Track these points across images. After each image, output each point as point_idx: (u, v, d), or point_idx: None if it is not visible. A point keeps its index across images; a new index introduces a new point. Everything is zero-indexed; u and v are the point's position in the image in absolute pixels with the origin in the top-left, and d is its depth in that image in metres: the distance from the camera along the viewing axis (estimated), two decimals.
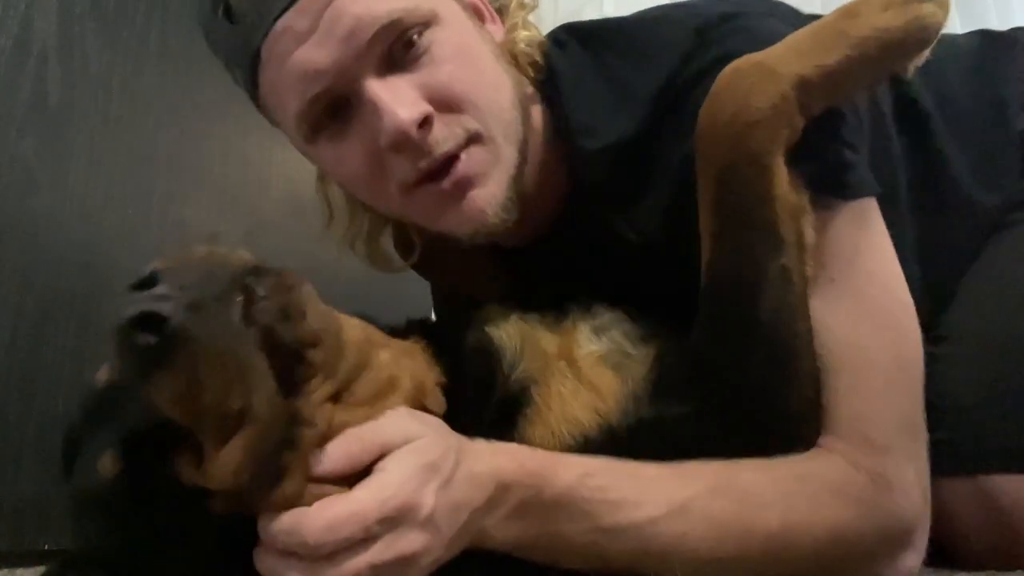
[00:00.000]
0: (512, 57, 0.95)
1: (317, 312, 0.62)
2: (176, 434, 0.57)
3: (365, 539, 0.60)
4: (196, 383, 0.54)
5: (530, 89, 0.95)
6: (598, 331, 0.84)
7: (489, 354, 0.80)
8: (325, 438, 0.62)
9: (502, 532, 0.68)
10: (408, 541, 0.62)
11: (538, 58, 0.95)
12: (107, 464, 0.59)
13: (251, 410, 0.57)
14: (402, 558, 0.62)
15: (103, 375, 0.64)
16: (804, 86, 0.75)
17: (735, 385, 0.75)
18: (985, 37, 1.14)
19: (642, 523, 0.69)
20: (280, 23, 0.81)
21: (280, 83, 0.84)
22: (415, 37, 0.82)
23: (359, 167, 0.87)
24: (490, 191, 0.85)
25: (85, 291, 1.17)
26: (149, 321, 0.52)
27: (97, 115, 1.21)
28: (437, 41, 0.83)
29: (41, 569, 0.67)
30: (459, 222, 0.86)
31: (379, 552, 0.61)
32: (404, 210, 0.90)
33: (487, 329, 0.83)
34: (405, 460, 0.64)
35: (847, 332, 0.75)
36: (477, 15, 0.93)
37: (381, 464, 0.63)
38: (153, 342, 0.53)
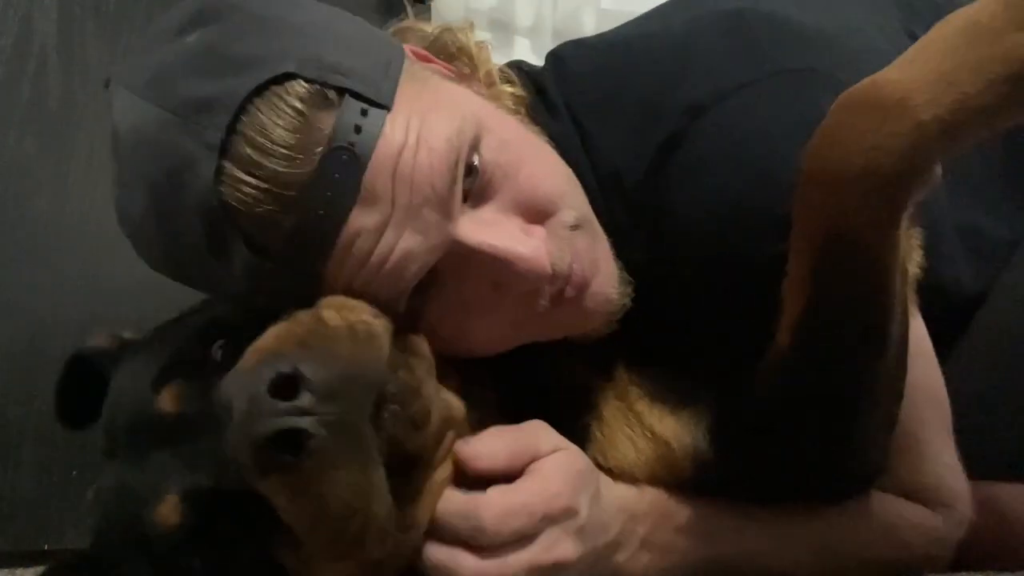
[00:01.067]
0: None
1: (438, 406, 0.60)
2: (275, 516, 0.53)
3: (529, 536, 0.61)
4: (316, 501, 0.51)
5: None
6: (645, 372, 0.80)
7: (546, 394, 0.78)
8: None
9: (633, 566, 0.69)
10: (565, 547, 0.63)
11: (525, 115, 0.82)
12: (167, 511, 0.55)
13: (365, 542, 0.55)
14: (558, 564, 0.62)
15: (168, 403, 0.59)
16: (949, 132, 0.57)
17: (813, 445, 0.72)
18: None
19: (760, 550, 0.72)
20: (347, 230, 0.61)
21: (360, 288, 0.65)
22: (475, 159, 0.66)
23: (469, 325, 0.70)
24: (605, 272, 0.74)
25: (85, 291, 1.17)
26: (288, 436, 0.49)
27: (97, 115, 1.21)
28: (495, 149, 0.68)
29: (41, 569, 0.67)
30: (589, 320, 0.74)
31: (539, 553, 0.62)
32: (525, 336, 0.74)
33: (534, 372, 0.79)
34: (561, 465, 0.65)
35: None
36: (467, 84, 0.78)
37: (536, 466, 0.64)
38: (284, 460, 0.49)
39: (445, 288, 0.67)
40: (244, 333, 0.60)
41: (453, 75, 0.77)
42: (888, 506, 0.77)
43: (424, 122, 0.63)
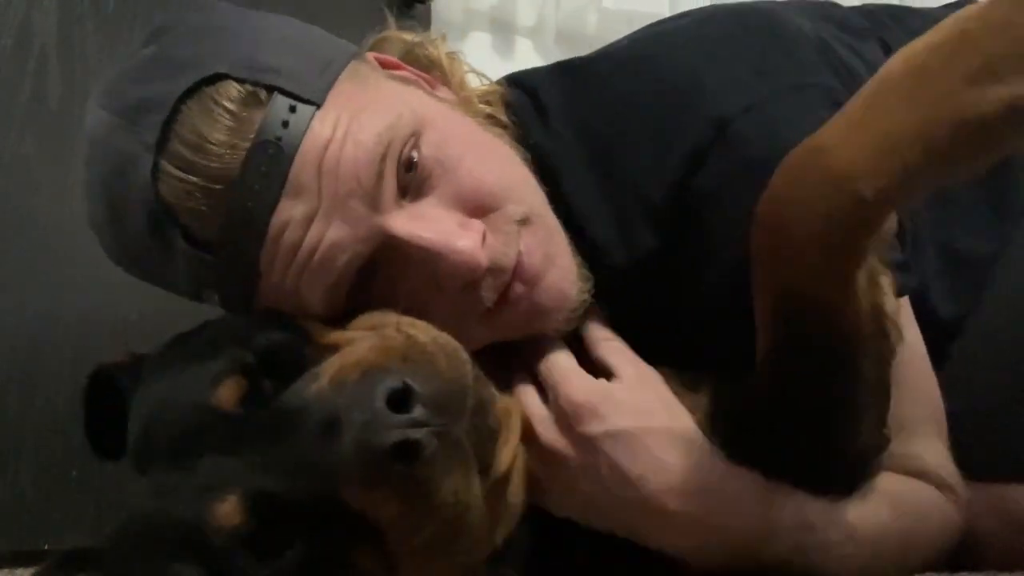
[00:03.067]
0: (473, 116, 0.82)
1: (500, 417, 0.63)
2: (349, 515, 0.54)
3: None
4: (422, 509, 0.54)
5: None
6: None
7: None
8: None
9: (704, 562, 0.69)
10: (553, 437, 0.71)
11: (501, 115, 0.83)
12: (229, 510, 0.55)
13: (460, 547, 0.57)
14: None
15: (227, 401, 0.59)
16: (894, 199, 0.55)
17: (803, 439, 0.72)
18: None
19: (810, 525, 0.70)
20: (275, 220, 0.64)
21: (294, 279, 0.67)
22: (414, 155, 0.68)
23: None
24: (561, 267, 0.75)
25: (86, 290, 1.17)
26: (402, 447, 0.51)
27: None
28: (435, 145, 0.70)
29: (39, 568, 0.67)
30: (548, 317, 0.75)
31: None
32: (484, 336, 0.74)
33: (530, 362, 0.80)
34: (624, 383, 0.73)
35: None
36: (429, 86, 0.80)
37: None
38: (401, 470, 0.51)
39: (386, 282, 0.69)
40: (285, 346, 0.63)
41: (417, 79, 0.79)
42: (911, 489, 0.77)
43: (355, 118, 0.66)
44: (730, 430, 0.73)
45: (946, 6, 1.10)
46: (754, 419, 0.71)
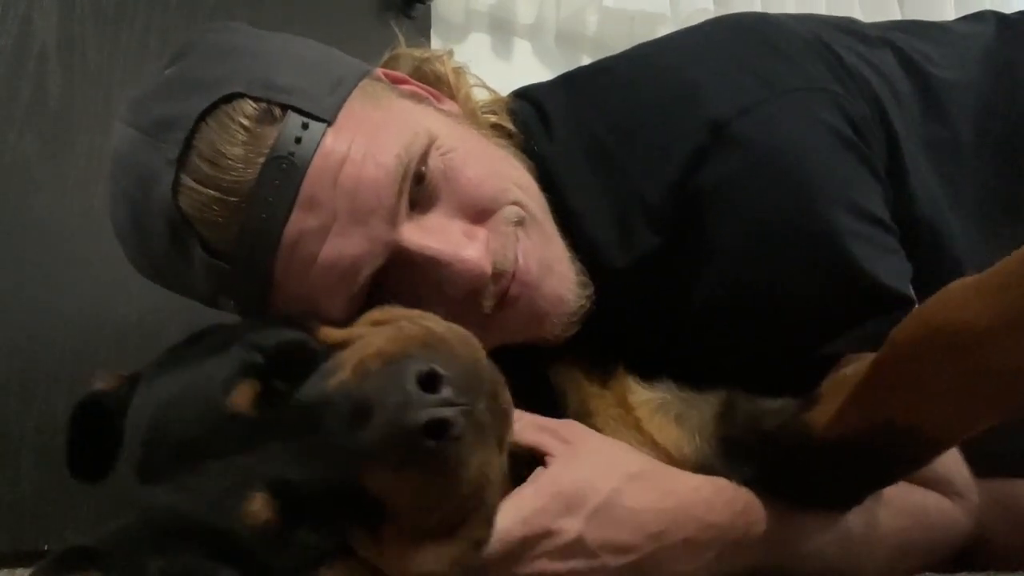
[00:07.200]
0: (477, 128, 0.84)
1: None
2: (360, 501, 0.55)
3: (515, 556, 0.63)
4: (449, 486, 0.55)
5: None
6: (647, 380, 0.81)
7: (545, 391, 0.80)
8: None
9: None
10: (542, 566, 0.64)
11: (507, 124, 0.86)
12: (258, 508, 0.56)
13: (475, 523, 0.58)
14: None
15: (243, 403, 0.60)
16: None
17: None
18: (1001, 24, 1.02)
19: (815, 550, 0.71)
20: (289, 231, 0.67)
21: (310, 290, 0.70)
22: (423, 169, 0.71)
23: None
24: (559, 273, 0.77)
25: (86, 290, 1.17)
26: (437, 427, 0.53)
27: (97, 115, 1.21)
28: (441, 158, 0.72)
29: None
30: (545, 322, 0.77)
31: (519, 569, 0.64)
32: (484, 342, 0.75)
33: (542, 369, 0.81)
34: (554, 478, 0.66)
35: None
36: (436, 100, 0.83)
37: (534, 477, 0.66)
38: (433, 447, 0.53)
39: (395, 287, 0.71)
40: (293, 346, 0.63)
41: (426, 94, 0.81)
42: (915, 492, 0.77)
43: (373, 139, 0.69)
44: (745, 456, 0.73)
45: (963, 19, 1.10)
46: (790, 461, 0.71)
